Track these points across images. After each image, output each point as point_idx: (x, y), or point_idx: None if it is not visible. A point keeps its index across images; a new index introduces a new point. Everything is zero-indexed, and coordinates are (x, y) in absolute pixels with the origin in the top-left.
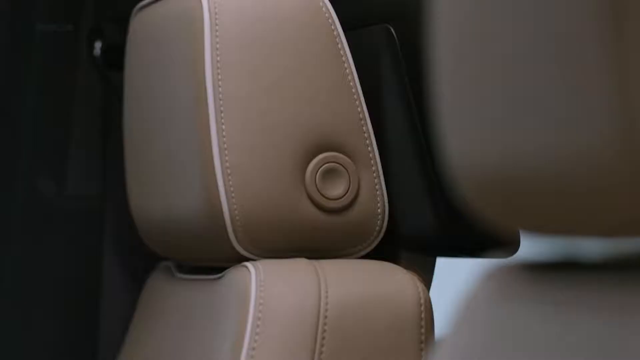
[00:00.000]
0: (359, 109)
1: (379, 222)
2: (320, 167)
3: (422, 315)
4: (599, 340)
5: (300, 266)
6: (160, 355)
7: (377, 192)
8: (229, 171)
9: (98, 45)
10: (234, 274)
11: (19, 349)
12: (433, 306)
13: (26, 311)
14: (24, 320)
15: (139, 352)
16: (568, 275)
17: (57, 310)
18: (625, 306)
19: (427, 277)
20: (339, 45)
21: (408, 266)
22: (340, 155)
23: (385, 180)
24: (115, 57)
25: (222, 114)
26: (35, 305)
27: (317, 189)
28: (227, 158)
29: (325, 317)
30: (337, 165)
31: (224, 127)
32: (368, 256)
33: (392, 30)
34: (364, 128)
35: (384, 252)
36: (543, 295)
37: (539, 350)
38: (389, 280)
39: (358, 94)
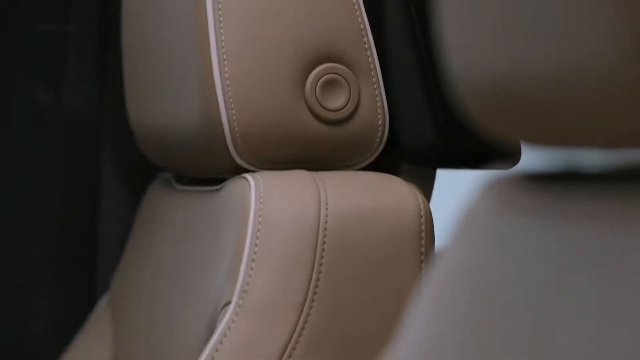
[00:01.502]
0: (359, 20)
1: (379, 134)
2: (320, 78)
3: (422, 227)
4: (600, 251)
5: (299, 178)
6: (160, 267)
7: (378, 104)
8: (228, 82)
9: None
10: (233, 186)
11: (17, 263)
12: (433, 218)
13: (24, 224)
14: (22, 234)
15: (138, 264)
16: (569, 186)
17: (56, 224)
18: (627, 217)
19: (427, 189)
20: None
21: (408, 178)
22: (341, 66)
23: (385, 92)
24: None
25: (221, 25)
26: (33, 219)
27: (317, 100)
28: (226, 69)
29: (325, 228)
30: (338, 76)
31: (223, 37)
32: (368, 168)
33: None
34: (364, 39)
35: (384, 164)
36: (544, 206)
37: (539, 261)
38: (389, 192)
39: (359, 4)
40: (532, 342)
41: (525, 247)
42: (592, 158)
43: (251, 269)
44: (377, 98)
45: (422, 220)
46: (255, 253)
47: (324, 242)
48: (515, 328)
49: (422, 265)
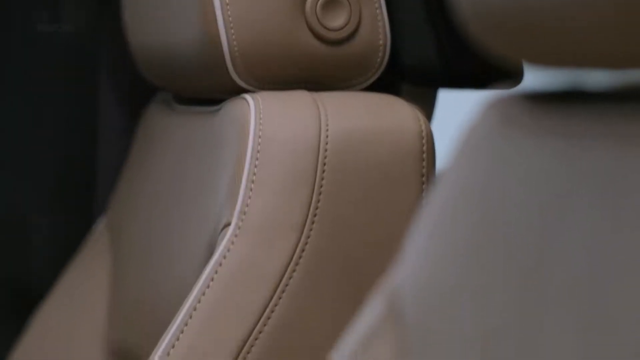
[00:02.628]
0: None
1: (380, 53)
2: None
3: (424, 148)
4: (602, 172)
5: (300, 98)
6: (159, 188)
7: (379, 24)
8: (227, 0)
9: None
10: (232, 106)
11: (15, 189)
12: (435, 139)
13: (22, 150)
14: (20, 160)
15: (136, 186)
16: (573, 106)
17: (54, 148)
18: (631, 137)
19: (428, 109)
20: None
21: (409, 99)
22: None
23: (387, 11)
24: None
25: None
26: (31, 144)
27: (318, 19)
28: None
29: (326, 149)
30: None
31: None
32: (369, 89)
33: None
34: None
35: (385, 84)
36: (546, 126)
37: (541, 182)
38: (390, 112)
39: None
40: (533, 263)
41: (527, 167)
42: (596, 77)
43: (251, 190)
44: (379, 17)
45: (424, 141)
46: (254, 174)
47: (324, 163)
48: (516, 249)
49: (424, 186)
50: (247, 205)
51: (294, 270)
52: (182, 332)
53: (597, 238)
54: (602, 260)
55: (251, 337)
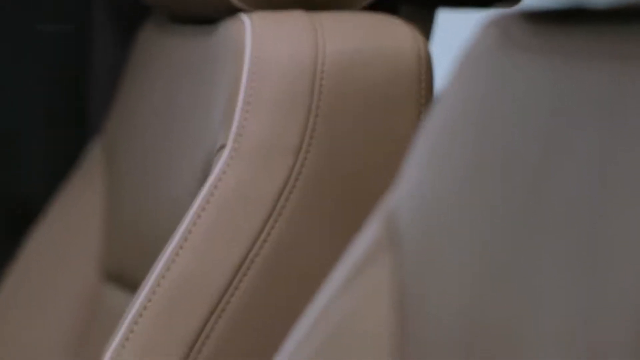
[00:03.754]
0: None
1: None
2: None
3: (422, 69)
4: (602, 91)
5: (296, 18)
6: (154, 109)
7: None
8: None
9: None
10: (227, 26)
11: (8, 109)
12: (434, 60)
13: (14, 69)
14: (12, 80)
15: (131, 107)
16: (573, 25)
17: (47, 68)
18: (631, 57)
19: (427, 30)
20: None
21: (408, 19)
22: None
23: None
24: None
25: None
26: (25, 57)
27: None
28: None
29: (322, 70)
30: None
31: None
32: (367, 9)
33: None
34: None
35: (383, 4)
36: (547, 45)
37: (540, 100)
38: (388, 32)
39: None
40: (532, 183)
41: (527, 86)
42: None
43: (247, 112)
44: None
45: (422, 61)
46: (250, 96)
47: (321, 85)
48: (515, 169)
49: (422, 107)
50: (243, 127)
51: (290, 193)
52: (177, 254)
53: (595, 159)
54: (601, 180)
55: (247, 260)
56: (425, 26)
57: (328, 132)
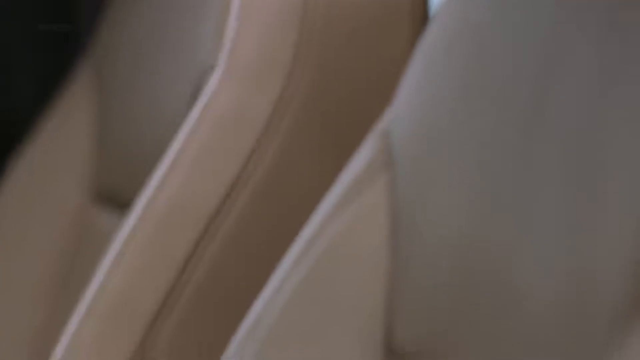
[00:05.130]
0: None
1: None
2: None
3: None
4: (604, 21)
5: None
6: (144, 28)
7: None
8: None
9: None
10: None
11: None
12: None
13: None
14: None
15: (121, 27)
16: None
17: None
18: None
19: None
20: None
21: None
22: None
23: None
24: None
25: None
26: None
27: None
28: None
29: None
30: None
31: None
32: None
33: None
34: None
35: None
36: None
37: (540, 23)
38: None
39: None
40: (529, 104)
41: (525, 8)
42: None
43: (238, 32)
44: None
45: None
46: (241, 15)
47: (314, 4)
48: (511, 92)
49: (416, 28)
50: (234, 48)
51: (283, 114)
52: (168, 176)
53: (594, 85)
54: (598, 106)
55: (239, 182)
56: None
57: (320, 53)
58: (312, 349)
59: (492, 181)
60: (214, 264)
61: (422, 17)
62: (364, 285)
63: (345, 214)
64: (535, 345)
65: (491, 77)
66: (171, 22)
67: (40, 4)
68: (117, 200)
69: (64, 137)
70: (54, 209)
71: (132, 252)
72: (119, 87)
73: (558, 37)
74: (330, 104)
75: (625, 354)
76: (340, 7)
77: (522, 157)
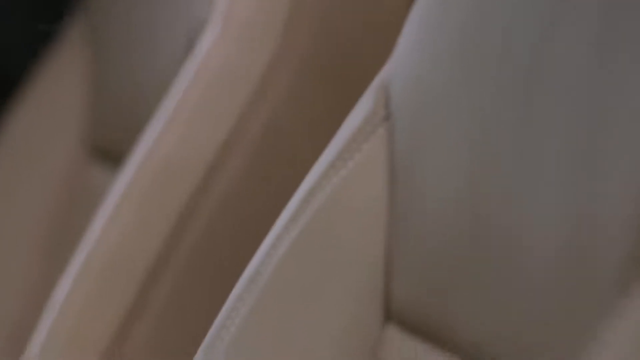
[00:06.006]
0: None
1: None
2: None
3: None
4: None
5: None
6: None
7: None
8: None
9: None
10: None
11: None
12: None
13: None
14: None
15: None
16: None
17: None
18: None
19: None
20: None
21: None
22: None
23: None
24: None
25: None
26: None
27: None
28: None
29: None
30: None
31: None
32: None
33: None
34: None
35: None
36: None
37: None
38: None
39: None
40: (529, 58)
41: None
42: None
43: None
44: None
45: None
46: None
47: None
48: (514, 42)
49: None
50: (229, 4)
51: (279, 69)
52: (162, 133)
53: (593, 28)
54: (600, 64)
55: (236, 136)
56: None
57: (318, 5)
58: (310, 304)
59: (492, 135)
60: (210, 220)
61: None
62: (364, 239)
63: (344, 166)
64: (536, 297)
65: (490, 31)
66: None
67: (40, 4)
68: (112, 154)
69: (58, 91)
70: (48, 163)
71: (128, 207)
72: (113, 40)
73: None
74: (329, 58)
75: (626, 306)
76: None
77: (522, 111)
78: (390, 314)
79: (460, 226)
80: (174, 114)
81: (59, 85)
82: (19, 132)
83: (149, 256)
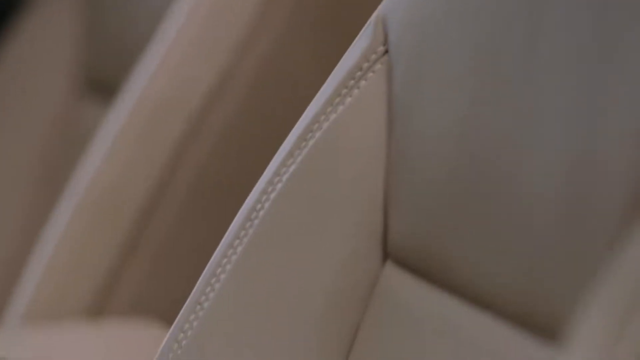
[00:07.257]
0: None
1: None
2: None
3: None
4: None
5: None
6: None
7: None
8: None
9: None
10: None
11: None
12: None
13: None
14: None
15: None
16: None
17: None
18: None
19: None
20: None
21: None
22: None
23: None
24: None
25: None
26: None
27: None
28: None
29: None
30: None
31: None
32: None
33: None
34: None
35: None
36: None
37: None
38: None
39: None
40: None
41: None
42: None
43: None
44: None
45: None
46: None
47: None
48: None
49: None
50: None
51: (275, 4)
52: (160, 66)
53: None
54: (603, 31)
55: (232, 72)
56: None
57: None
58: (308, 240)
59: (491, 73)
60: (205, 159)
61: None
62: (362, 176)
63: (343, 101)
64: (535, 236)
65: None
66: None
67: None
68: (106, 86)
69: (51, 26)
70: (42, 95)
71: (122, 146)
72: None
73: None
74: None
75: (626, 245)
76: None
77: (523, 49)
78: (389, 253)
79: (459, 163)
80: (170, 51)
81: (52, 18)
82: (12, 65)
83: (144, 194)
